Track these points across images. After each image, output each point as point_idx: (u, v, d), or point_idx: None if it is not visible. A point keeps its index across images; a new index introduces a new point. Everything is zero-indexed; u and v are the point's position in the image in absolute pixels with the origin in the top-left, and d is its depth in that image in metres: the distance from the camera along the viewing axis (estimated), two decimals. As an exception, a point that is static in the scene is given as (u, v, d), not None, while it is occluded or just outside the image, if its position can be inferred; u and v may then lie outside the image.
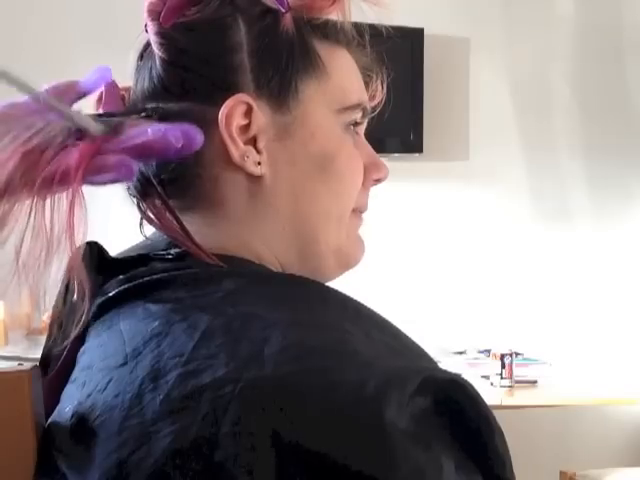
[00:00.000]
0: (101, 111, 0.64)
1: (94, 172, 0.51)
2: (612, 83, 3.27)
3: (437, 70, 3.15)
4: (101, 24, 2.86)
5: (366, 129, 0.69)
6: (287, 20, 0.62)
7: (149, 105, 0.62)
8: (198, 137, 0.55)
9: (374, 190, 0.70)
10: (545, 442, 3.05)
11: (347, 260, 0.67)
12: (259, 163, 0.62)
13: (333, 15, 0.65)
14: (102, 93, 0.65)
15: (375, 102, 0.70)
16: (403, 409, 0.47)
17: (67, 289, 0.62)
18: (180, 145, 0.53)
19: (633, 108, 3.28)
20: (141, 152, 0.53)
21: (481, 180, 3.20)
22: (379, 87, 0.71)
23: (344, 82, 0.65)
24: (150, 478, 0.47)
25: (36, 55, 2.86)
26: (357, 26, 0.68)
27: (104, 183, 0.53)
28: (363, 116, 0.67)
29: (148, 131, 0.53)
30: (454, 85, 3.22)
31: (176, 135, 0.53)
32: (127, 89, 0.66)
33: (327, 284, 0.62)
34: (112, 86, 0.65)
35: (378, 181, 0.69)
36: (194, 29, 0.61)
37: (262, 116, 0.61)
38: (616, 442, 3.16)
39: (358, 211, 0.69)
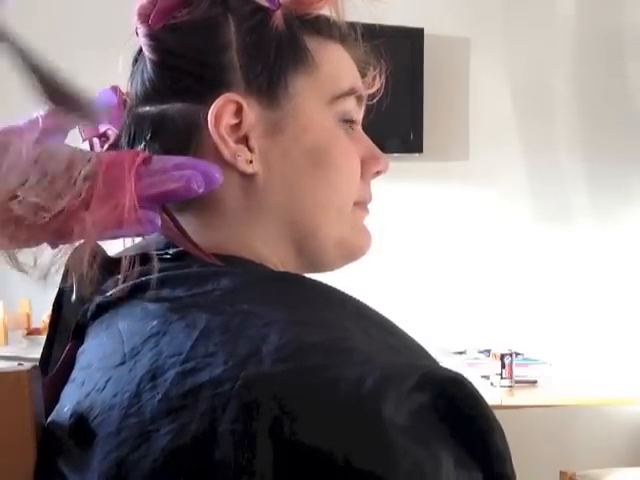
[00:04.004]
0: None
1: (116, 226, 0.52)
2: (612, 83, 3.27)
3: (437, 70, 3.15)
4: (104, 25, 2.85)
5: (366, 129, 0.69)
6: (277, 17, 0.62)
7: (142, 109, 0.62)
8: (217, 177, 0.56)
9: (373, 190, 0.70)
10: (545, 442, 3.05)
11: (351, 251, 0.67)
12: (251, 161, 0.62)
13: (327, 11, 0.65)
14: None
15: (372, 90, 0.70)
16: (401, 405, 0.47)
17: (65, 289, 0.63)
18: (202, 190, 0.54)
19: (633, 108, 3.28)
20: (165, 199, 0.55)
21: (481, 180, 3.20)
22: (377, 77, 0.70)
23: (334, 72, 0.65)
24: (149, 477, 0.47)
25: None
26: (351, 23, 0.68)
27: (122, 236, 0.55)
28: (358, 104, 0.67)
29: (171, 177, 0.54)
30: (454, 85, 3.23)
31: (198, 181, 0.54)
32: (129, 94, 0.66)
33: (327, 283, 0.62)
34: (114, 90, 0.66)
35: (378, 173, 0.69)
36: (184, 30, 0.61)
37: (252, 114, 0.61)
38: (616, 442, 3.16)
39: (362, 203, 0.68)
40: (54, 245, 0.54)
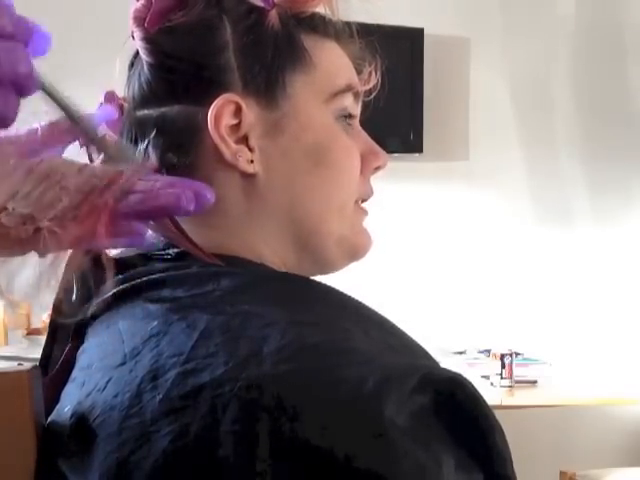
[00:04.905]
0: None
1: (94, 238, 0.50)
2: (613, 83, 3.27)
3: (437, 70, 3.15)
4: (105, 26, 2.86)
5: (366, 129, 0.69)
6: (272, 16, 0.62)
7: (140, 112, 0.62)
8: (209, 196, 0.53)
9: (374, 190, 0.70)
10: (545, 442, 3.05)
11: (354, 250, 0.67)
12: (252, 161, 0.62)
13: (321, 9, 0.65)
14: (102, 103, 0.65)
15: (368, 86, 0.70)
16: (402, 406, 0.47)
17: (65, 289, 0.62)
18: (192, 208, 0.52)
19: (634, 108, 3.28)
20: (153, 215, 0.53)
21: (481, 180, 3.20)
22: (372, 72, 0.70)
23: (331, 69, 0.65)
24: (150, 478, 0.47)
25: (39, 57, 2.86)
26: (347, 21, 0.68)
27: (111, 248, 0.53)
28: (355, 100, 0.67)
29: (160, 194, 0.52)
30: (454, 85, 3.23)
31: (188, 198, 0.51)
32: (127, 97, 0.66)
33: (327, 284, 0.62)
34: (111, 96, 0.66)
35: (378, 169, 0.69)
36: (180, 32, 0.61)
37: (251, 114, 0.61)
38: (616, 442, 3.16)
39: (361, 200, 0.68)
40: (42, 255, 0.53)
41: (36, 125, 0.55)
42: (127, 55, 0.67)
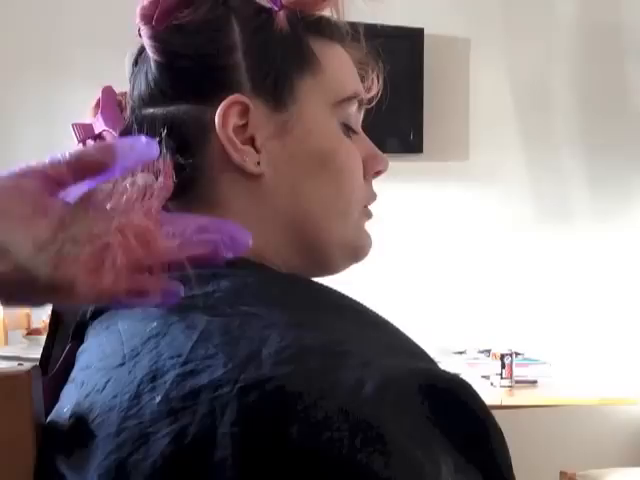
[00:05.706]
0: (100, 117, 0.64)
1: (131, 299, 0.47)
2: (612, 82, 3.27)
3: (437, 70, 3.15)
4: (102, 25, 2.86)
5: (366, 129, 0.69)
6: (281, 18, 0.62)
7: (147, 111, 0.62)
8: (248, 240, 0.50)
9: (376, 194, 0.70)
10: (545, 442, 3.05)
11: (355, 253, 0.67)
12: (258, 162, 0.62)
13: (327, 12, 0.65)
14: (99, 99, 0.65)
15: (371, 94, 0.70)
16: (401, 409, 0.47)
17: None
18: (230, 255, 0.49)
19: (633, 108, 3.28)
20: (188, 264, 0.49)
21: (481, 180, 3.20)
22: (375, 79, 0.70)
23: (339, 76, 0.65)
24: (149, 479, 0.47)
25: (37, 55, 2.86)
26: (352, 23, 0.68)
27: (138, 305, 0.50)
28: (359, 107, 0.67)
29: (196, 242, 0.48)
30: (454, 85, 3.23)
31: (227, 246, 0.49)
32: (124, 94, 0.66)
33: (326, 284, 0.62)
34: (109, 91, 0.65)
35: (379, 173, 0.69)
36: (188, 31, 0.61)
37: (259, 115, 0.61)
38: (616, 442, 3.15)
39: (364, 204, 0.68)
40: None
41: (59, 156, 0.48)
42: (120, 52, 0.66)
